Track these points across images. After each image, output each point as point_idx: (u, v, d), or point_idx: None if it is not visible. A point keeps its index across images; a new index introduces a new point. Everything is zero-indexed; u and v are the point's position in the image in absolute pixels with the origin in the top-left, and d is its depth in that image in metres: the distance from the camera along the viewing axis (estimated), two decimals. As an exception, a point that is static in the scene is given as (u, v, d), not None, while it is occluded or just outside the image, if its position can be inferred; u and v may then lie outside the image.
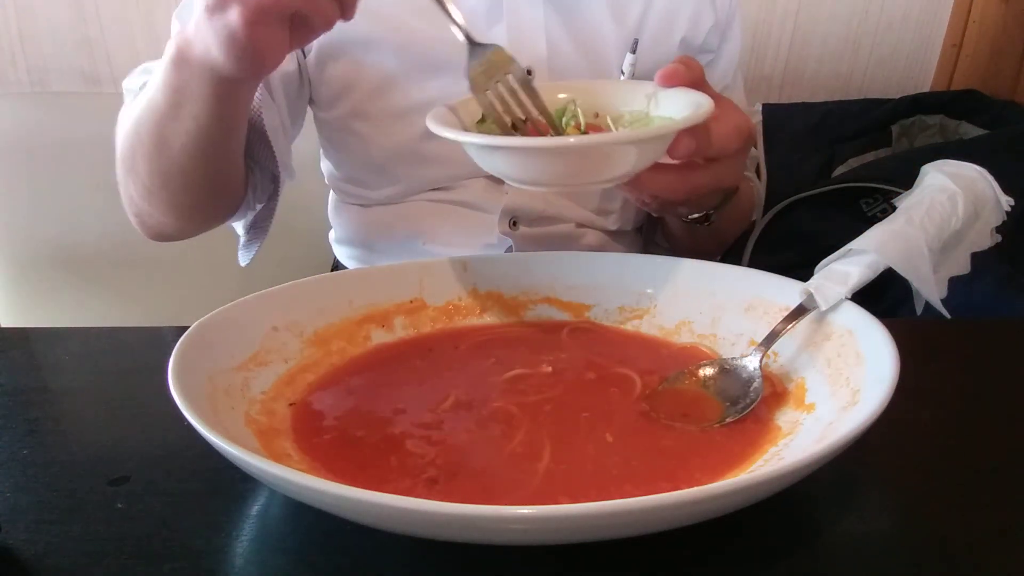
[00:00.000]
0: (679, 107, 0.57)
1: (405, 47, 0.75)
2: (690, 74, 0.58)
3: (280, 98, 0.75)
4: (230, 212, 0.76)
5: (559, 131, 0.59)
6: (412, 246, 0.84)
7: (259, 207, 0.78)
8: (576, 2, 0.77)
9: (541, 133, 0.58)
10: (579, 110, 0.60)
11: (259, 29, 0.50)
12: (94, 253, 1.25)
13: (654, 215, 0.71)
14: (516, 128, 0.59)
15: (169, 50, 0.60)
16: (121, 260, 1.26)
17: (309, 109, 0.85)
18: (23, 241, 1.25)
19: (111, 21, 1.29)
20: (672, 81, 0.58)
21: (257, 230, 0.80)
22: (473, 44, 0.58)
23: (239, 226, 0.81)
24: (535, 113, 0.58)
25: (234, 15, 0.50)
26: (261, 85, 0.69)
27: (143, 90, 0.67)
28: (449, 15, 0.57)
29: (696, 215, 0.72)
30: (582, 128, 0.59)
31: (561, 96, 0.61)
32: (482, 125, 0.60)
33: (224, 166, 0.69)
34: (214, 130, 0.63)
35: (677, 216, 0.72)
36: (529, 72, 0.61)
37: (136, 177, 0.70)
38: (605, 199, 0.85)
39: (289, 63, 0.75)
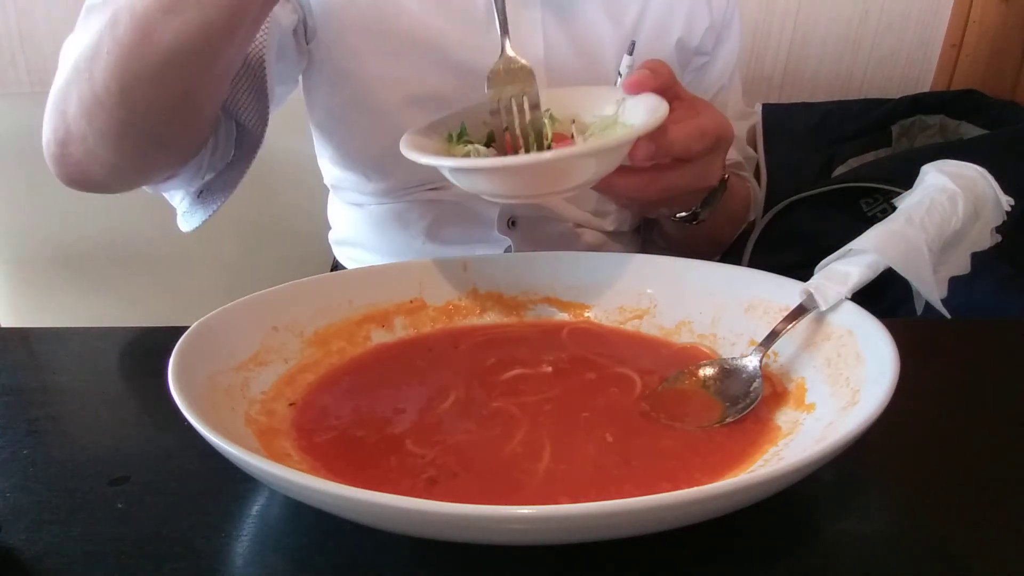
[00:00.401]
0: (642, 112, 0.58)
1: (407, 37, 0.75)
2: (656, 80, 0.59)
3: (272, 58, 0.68)
4: (180, 160, 0.65)
5: (529, 148, 0.61)
6: (412, 246, 0.85)
7: (209, 177, 0.70)
8: (573, 4, 0.77)
9: (515, 147, 0.61)
10: (550, 120, 0.62)
11: None
12: (94, 253, 1.25)
13: (643, 215, 0.71)
14: (492, 140, 0.62)
15: None
16: (121, 260, 1.25)
17: (305, 103, 0.84)
18: (23, 241, 1.25)
19: (111, 21, 1.29)
20: (637, 89, 0.59)
21: (215, 192, 0.70)
22: (510, 56, 0.60)
23: (178, 195, 0.72)
24: (516, 130, 0.61)
25: None
26: (265, 34, 0.63)
27: None
28: (503, 23, 0.60)
29: (684, 214, 0.72)
30: (548, 140, 0.61)
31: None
32: (453, 146, 0.62)
33: (209, 82, 0.58)
34: (219, 26, 0.53)
35: (662, 216, 0.72)
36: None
37: (88, 82, 0.57)
38: (602, 200, 0.85)
39: (287, 18, 0.71)
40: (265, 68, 0.65)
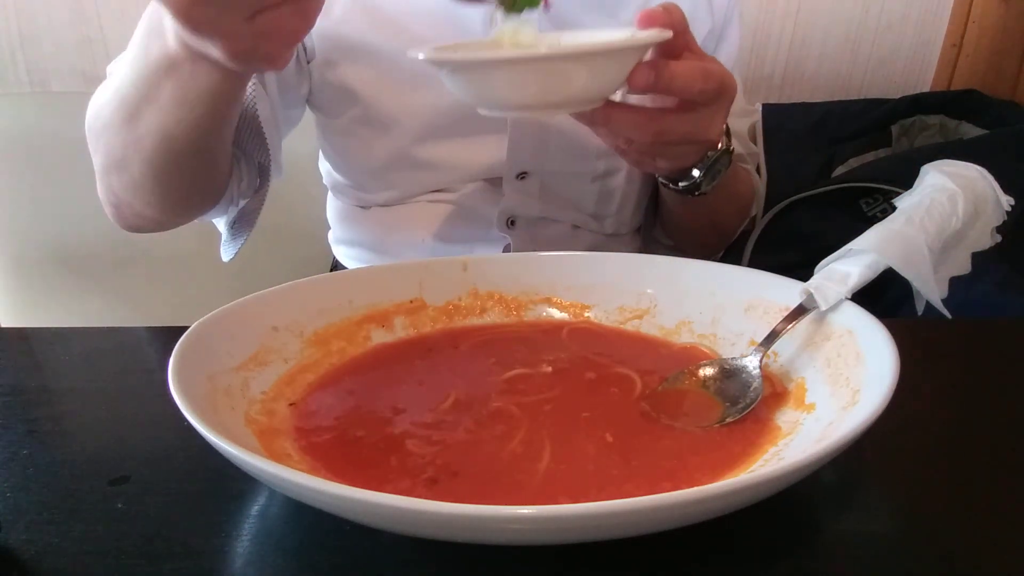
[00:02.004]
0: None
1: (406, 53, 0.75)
2: (668, 17, 0.59)
3: (273, 91, 0.74)
4: (212, 203, 0.74)
5: None
6: (412, 245, 0.85)
7: (243, 203, 0.76)
8: (574, 17, 0.77)
9: None
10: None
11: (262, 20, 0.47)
12: (94, 253, 1.25)
13: (635, 167, 0.70)
14: None
15: (154, 47, 0.56)
16: (121, 260, 1.26)
17: (310, 112, 0.85)
18: (23, 241, 1.25)
19: (111, 21, 1.29)
20: (648, 23, 0.59)
21: (243, 224, 0.77)
22: None
23: (220, 222, 0.79)
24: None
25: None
26: (254, 78, 0.68)
27: (119, 69, 0.64)
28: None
29: (685, 183, 0.71)
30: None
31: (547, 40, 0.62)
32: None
33: (219, 152, 0.67)
34: (213, 118, 0.61)
35: (655, 172, 0.71)
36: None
37: (126, 173, 0.67)
38: (601, 203, 0.86)
39: None
40: (257, 113, 0.70)
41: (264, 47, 0.49)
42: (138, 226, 0.75)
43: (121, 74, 0.63)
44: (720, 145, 0.70)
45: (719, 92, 0.62)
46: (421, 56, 0.55)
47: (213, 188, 0.72)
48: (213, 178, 0.70)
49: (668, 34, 0.57)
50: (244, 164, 0.74)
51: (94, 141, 0.69)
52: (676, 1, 0.72)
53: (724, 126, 0.68)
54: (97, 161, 0.70)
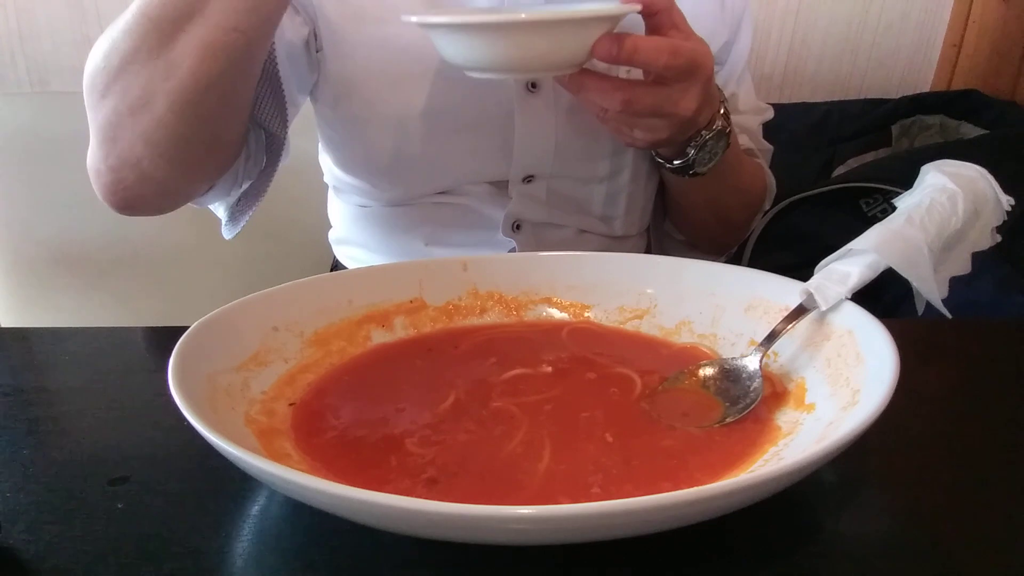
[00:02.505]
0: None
1: (415, 52, 0.75)
2: None
3: (286, 68, 0.73)
4: (220, 169, 0.71)
5: None
6: (413, 246, 0.84)
7: (246, 184, 0.75)
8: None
9: None
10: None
11: None
12: (94, 253, 1.25)
13: (616, 137, 0.73)
14: None
15: None
16: (121, 260, 1.26)
17: (311, 111, 0.85)
18: (23, 241, 1.25)
19: (111, 21, 1.29)
20: None
21: (245, 204, 0.76)
22: None
23: (220, 207, 0.78)
24: None
25: None
26: (274, 43, 0.69)
27: (135, 15, 0.62)
28: None
29: (679, 162, 0.74)
30: None
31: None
32: None
33: (247, 86, 0.65)
34: (256, 29, 0.60)
35: (633, 144, 0.73)
36: None
37: (145, 112, 0.62)
38: (608, 205, 0.85)
39: (297, 31, 0.73)
40: (280, 73, 0.70)
41: None
42: (134, 200, 0.69)
43: (132, 11, 0.61)
44: (716, 125, 0.70)
45: (689, 69, 0.63)
46: (413, 19, 0.62)
47: (228, 149, 0.69)
48: (234, 126, 0.67)
49: (635, 7, 0.62)
50: (253, 141, 0.74)
51: (104, 86, 0.64)
52: (699, 16, 0.73)
53: (708, 102, 0.69)
54: (105, 112, 0.64)
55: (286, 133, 0.73)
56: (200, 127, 0.64)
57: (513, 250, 0.82)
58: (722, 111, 0.72)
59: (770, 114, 0.94)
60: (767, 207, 0.98)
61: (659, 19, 0.64)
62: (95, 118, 0.66)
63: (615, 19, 0.62)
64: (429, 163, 0.80)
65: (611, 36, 0.61)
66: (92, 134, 0.67)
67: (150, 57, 0.61)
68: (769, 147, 0.93)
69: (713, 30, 0.81)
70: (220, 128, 0.66)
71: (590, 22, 0.61)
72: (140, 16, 0.61)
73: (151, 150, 0.64)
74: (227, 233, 0.79)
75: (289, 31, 0.72)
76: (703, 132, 0.71)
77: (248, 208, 0.76)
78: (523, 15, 0.60)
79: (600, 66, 0.65)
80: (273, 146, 0.74)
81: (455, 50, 0.63)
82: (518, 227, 0.82)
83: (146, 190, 0.68)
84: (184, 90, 0.61)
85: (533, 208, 0.82)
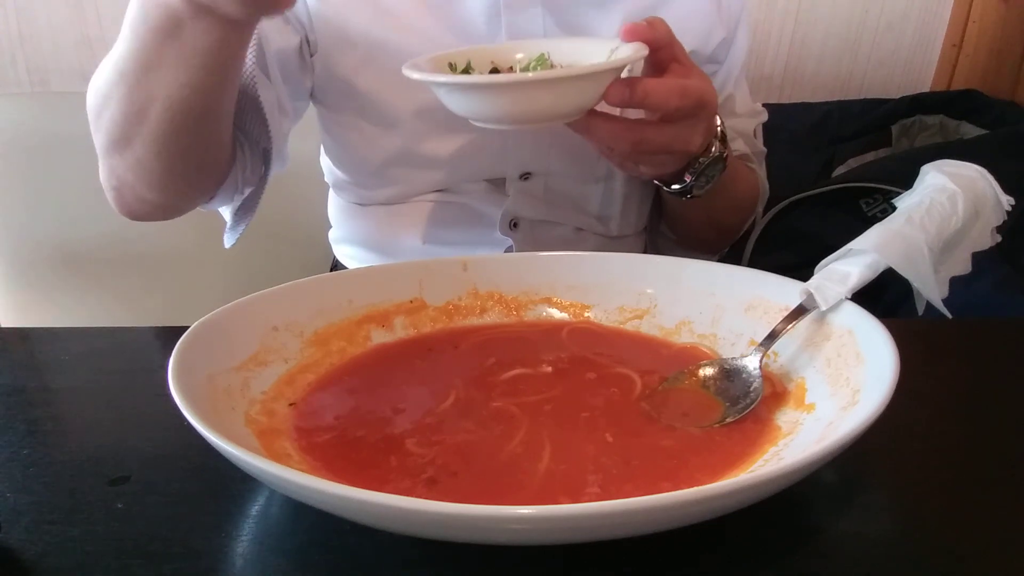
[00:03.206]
0: (626, 56, 0.62)
1: (410, 50, 0.75)
2: (651, 32, 0.61)
3: (276, 77, 0.73)
4: (214, 186, 0.73)
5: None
6: (412, 245, 0.85)
7: (248, 191, 0.76)
8: (576, 14, 0.77)
9: None
10: (551, 60, 0.67)
11: None
12: (94, 253, 1.25)
13: (620, 170, 0.73)
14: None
15: (154, 12, 0.57)
16: (121, 260, 1.26)
17: (312, 110, 0.85)
18: (23, 241, 1.25)
19: (111, 21, 1.29)
20: (632, 36, 0.62)
21: (245, 211, 0.78)
22: None
23: (226, 210, 0.79)
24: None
25: None
26: (254, 62, 0.68)
27: (117, 45, 0.63)
28: None
29: (677, 187, 0.73)
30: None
31: (538, 49, 0.68)
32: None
33: (220, 123, 0.67)
34: (216, 79, 0.61)
35: (638, 176, 0.73)
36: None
37: (128, 148, 0.66)
38: (605, 205, 0.86)
39: (287, 40, 0.74)
40: (259, 94, 0.69)
41: None
42: (140, 212, 0.74)
43: (119, 50, 0.62)
44: (713, 151, 0.71)
45: (697, 108, 0.64)
46: (415, 76, 0.61)
47: (215, 169, 0.71)
48: (214, 156, 0.69)
49: (643, 52, 0.61)
50: (248, 151, 0.74)
51: (95, 120, 0.68)
52: (693, 11, 0.73)
53: (709, 136, 0.69)
54: (99, 141, 0.69)
55: (280, 144, 0.74)
56: (180, 161, 0.67)
57: (510, 248, 0.82)
58: (719, 135, 0.72)
59: (764, 116, 0.94)
60: (760, 210, 0.98)
61: (661, 55, 0.63)
62: (95, 143, 0.70)
63: (620, 69, 0.61)
64: (427, 161, 0.80)
65: (622, 81, 0.60)
66: (99, 157, 0.71)
67: (124, 99, 0.63)
68: (763, 149, 0.94)
69: (709, 27, 0.81)
70: (200, 158, 0.68)
71: (600, 75, 0.60)
72: (113, 64, 0.63)
73: (140, 179, 0.68)
74: (227, 241, 0.80)
75: (278, 40, 0.73)
76: (700, 159, 0.71)
77: (245, 215, 0.77)
78: (530, 76, 0.60)
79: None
80: (267, 156, 0.75)
81: (460, 105, 0.62)
82: (515, 225, 0.82)
83: (144, 207, 0.73)
84: (155, 136, 0.64)
85: (530, 206, 0.82)
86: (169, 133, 0.63)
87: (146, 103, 0.62)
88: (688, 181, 0.72)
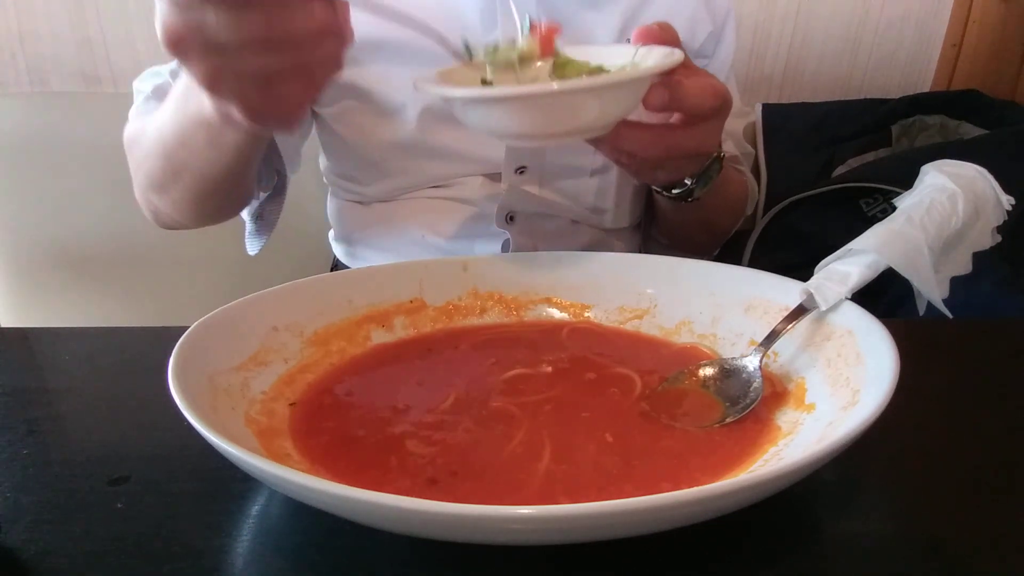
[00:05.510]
0: (656, 60, 0.58)
1: (408, 42, 0.75)
2: (663, 34, 0.60)
3: None
4: (241, 207, 0.82)
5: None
6: (411, 241, 0.85)
7: (263, 196, 0.81)
8: (568, 8, 0.77)
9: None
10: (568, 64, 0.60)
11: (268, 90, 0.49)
12: (94, 253, 1.25)
13: (635, 179, 0.71)
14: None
15: (192, 103, 0.61)
16: (121, 260, 1.26)
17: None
18: (23, 241, 1.25)
19: (111, 21, 1.29)
20: (646, 39, 0.60)
21: (264, 223, 0.84)
22: None
23: (245, 213, 0.84)
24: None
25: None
26: None
27: (161, 112, 0.70)
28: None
29: (679, 191, 0.72)
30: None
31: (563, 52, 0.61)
32: (488, 62, 0.60)
33: (247, 183, 0.75)
34: (240, 163, 0.68)
35: (653, 183, 0.72)
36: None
37: (165, 194, 0.75)
38: (600, 198, 0.86)
39: None
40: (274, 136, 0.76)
41: (276, 111, 0.51)
42: (172, 226, 0.83)
43: (163, 114, 0.69)
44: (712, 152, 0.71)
45: (724, 108, 0.63)
46: (433, 91, 0.56)
47: (242, 203, 0.81)
48: (243, 197, 0.79)
49: (680, 56, 0.57)
50: (262, 165, 0.78)
51: (134, 162, 0.77)
52: (680, 5, 0.73)
53: (720, 139, 0.69)
54: (138, 179, 0.78)
55: (292, 156, 0.81)
56: (211, 206, 0.77)
57: (507, 240, 0.83)
58: None
59: (754, 117, 0.94)
60: (749, 212, 0.98)
61: None
62: (133, 176, 0.79)
63: (662, 75, 0.57)
64: (424, 155, 0.80)
65: (662, 85, 0.58)
66: (135, 187, 0.80)
67: (162, 160, 0.71)
68: (751, 150, 0.94)
69: (695, 19, 0.81)
70: (229, 200, 0.78)
71: (643, 81, 0.56)
72: (156, 125, 0.70)
73: (176, 213, 0.78)
74: (251, 248, 0.87)
75: None
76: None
77: (266, 227, 0.84)
78: (555, 85, 0.53)
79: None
80: (281, 174, 0.81)
81: (484, 121, 0.56)
82: (511, 218, 0.83)
83: (178, 226, 0.83)
84: (188, 193, 0.73)
85: (526, 199, 0.82)
86: (201, 194, 0.72)
87: (181, 169, 0.70)
88: (689, 184, 0.72)
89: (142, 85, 0.82)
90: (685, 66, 0.62)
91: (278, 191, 0.82)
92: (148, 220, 0.83)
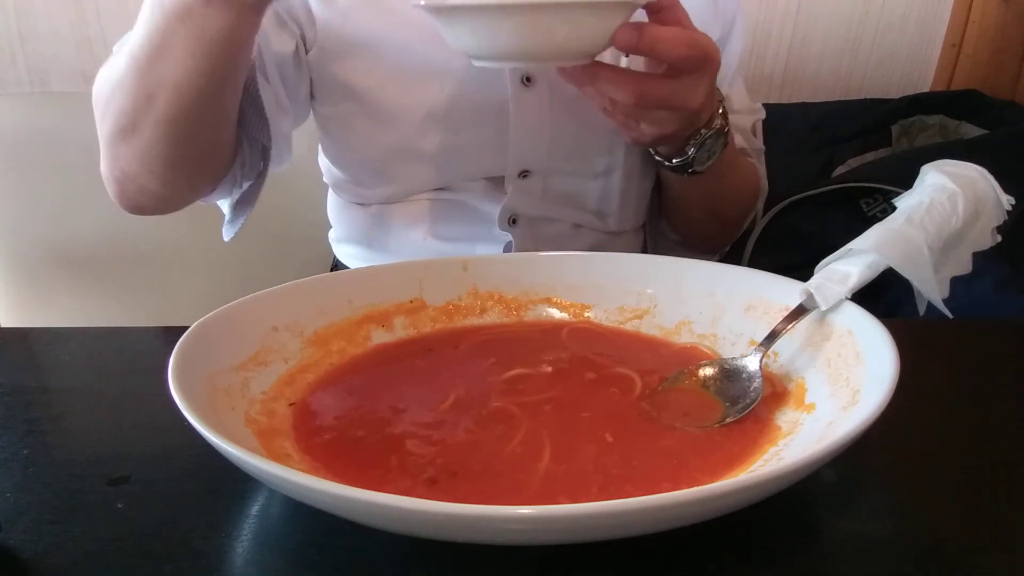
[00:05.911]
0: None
1: (407, 47, 0.75)
2: None
3: (275, 79, 0.75)
4: (215, 178, 0.75)
5: None
6: (412, 243, 0.85)
7: (246, 185, 0.78)
8: None
9: None
10: None
11: None
12: (94, 253, 1.25)
13: (621, 131, 0.72)
14: None
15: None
16: (121, 260, 1.26)
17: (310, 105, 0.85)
18: (23, 241, 1.25)
19: (111, 21, 1.29)
20: None
21: (243, 204, 0.79)
22: None
23: (225, 203, 0.80)
24: None
25: None
26: (254, 63, 0.69)
27: (133, 33, 0.66)
28: None
29: (679, 159, 0.73)
30: None
31: None
32: None
33: (226, 112, 0.69)
34: (224, 66, 0.63)
35: (641, 141, 0.72)
36: None
37: (134, 135, 0.68)
38: (603, 201, 0.86)
39: (284, 44, 0.75)
40: (260, 92, 0.71)
41: None
42: (141, 205, 0.75)
43: (132, 38, 0.65)
44: (715, 124, 0.71)
45: (703, 61, 0.64)
46: (422, 3, 0.59)
47: (218, 161, 0.73)
48: (218, 147, 0.71)
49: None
50: (247, 147, 0.75)
51: (102, 108, 0.70)
52: (690, 10, 0.72)
53: (710, 99, 0.69)
54: (105, 130, 0.70)
55: (280, 141, 0.76)
56: (186, 147, 0.68)
57: (509, 243, 0.83)
58: (720, 110, 0.72)
59: (762, 114, 0.94)
60: (760, 207, 0.98)
61: (664, 15, 0.64)
62: (100, 133, 0.71)
63: (634, 6, 0.61)
64: (426, 158, 0.80)
65: (631, 25, 0.60)
66: (100, 146, 0.72)
67: (134, 85, 0.65)
68: (762, 147, 0.94)
69: (704, 25, 0.81)
70: (205, 147, 0.70)
71: (611, 8, 0.59)
72: (127, 52, 0.65)
73: (145, 168, 0.70)
74: (226, 234, 0.81)
75: (276, 43, 0.74)
76: (702, 131, 0.72)
77: (244, 209, 0.78)
78: None
79: (605, 58, 0.65)
80: (266, 153, 0.76)
81: (466, 36, 0.60)
82: (514, 221, 0.83)
83: (146, 199, 0.74)
84: (163, 120, 0.65)
85: (529, 203, 0.82)
86: (177, 118, 0.65)
87: (156, 88, 0.64)
88: (689, 154, 0.72)
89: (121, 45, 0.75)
90: (682, 25, 0.64)
91: (260, 174, 0.78)
92: (141, 218, 0.78)
